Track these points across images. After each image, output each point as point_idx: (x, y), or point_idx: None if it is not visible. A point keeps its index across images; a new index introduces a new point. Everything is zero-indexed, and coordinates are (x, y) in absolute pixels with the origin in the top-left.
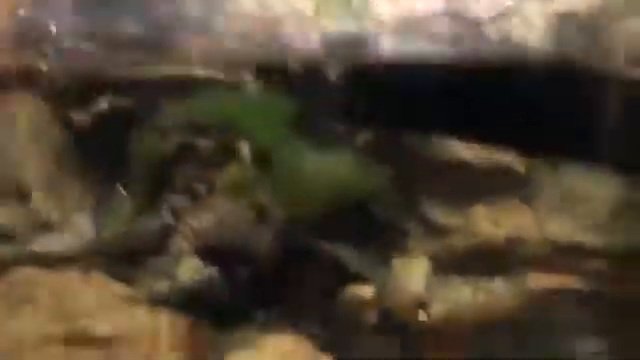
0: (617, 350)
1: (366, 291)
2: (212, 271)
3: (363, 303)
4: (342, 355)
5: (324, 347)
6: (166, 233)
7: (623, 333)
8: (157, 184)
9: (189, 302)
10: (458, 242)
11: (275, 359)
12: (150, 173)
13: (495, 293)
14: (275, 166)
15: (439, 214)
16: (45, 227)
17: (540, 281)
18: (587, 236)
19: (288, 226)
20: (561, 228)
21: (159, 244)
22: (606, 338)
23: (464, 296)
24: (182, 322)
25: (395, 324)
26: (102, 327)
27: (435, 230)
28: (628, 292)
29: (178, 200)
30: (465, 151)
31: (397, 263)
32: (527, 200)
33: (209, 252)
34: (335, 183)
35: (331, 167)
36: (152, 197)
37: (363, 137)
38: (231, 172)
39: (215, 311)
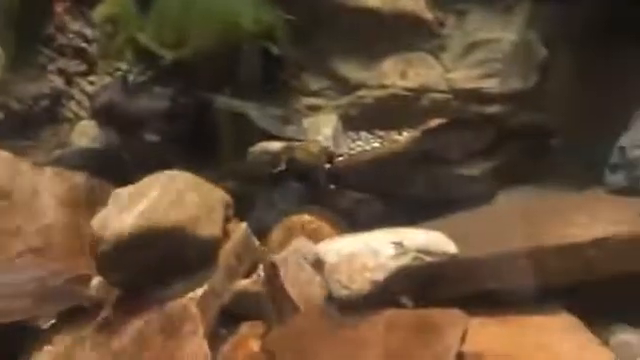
0: (499, 170)
1: (275, 146)
2: (110, 133)
3: (273, 156)
4: (252, 200)
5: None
6: (58, 99)
7: (505, 156)
8: (23, 29)
9: (85, 163)
10: (367, 95)
11: (166, 190)
12: (8, 14)
13: (399, 142)
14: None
15: (348, 69)
16: None
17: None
18: (487, 83)
19: (187, 80)
20: (463, 76)
21: (51, 110)
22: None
23: (370, 147)
24: (72, 179)
25: (302, 171)
26: None
27: (345, 85)
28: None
29: (68, 64)
30: None
31: (307, 119)
32: (434, 52)
33: (105, 114)
34: (225, 19)
35: (221, 2)
36: (26, 44)
37: None
38: (107, 6)
39: (116, 170)
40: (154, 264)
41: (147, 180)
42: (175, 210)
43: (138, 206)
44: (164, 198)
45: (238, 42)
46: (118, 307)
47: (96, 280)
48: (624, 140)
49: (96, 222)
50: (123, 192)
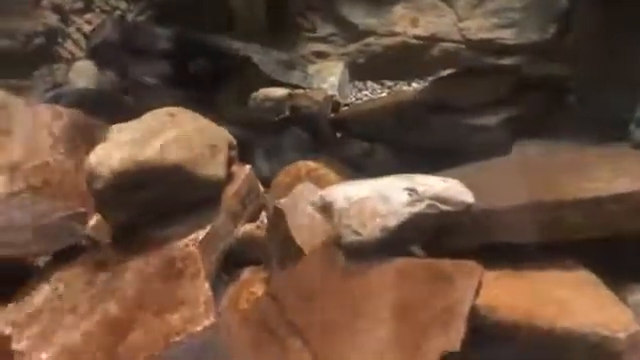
0: (515, 122)
1: (279, 92)
2: (107, 73)
3: (275, 103)
4: (253, 147)
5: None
6: (53, 37)
7: (521, 107)
8: None
9: (81, 103)
10: (376, 43)
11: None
12: None
13: (406, 92)
14: None
15: (356, 15)
16: None
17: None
18: (502, 33)
19: (188, 21)
20: (477, 26)
21: (46, 48)
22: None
23: (377, 97)
24: (69, 117)
25: (305, 120)
26: None
27: (353, 32)
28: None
29: (63, 0)
30: None
31: (313, 66)
32: None
33: (102, 54)
34: None
35: None
36: None
37: None
38: None
39: (113, 111)
40: (154, 204)
41: (147, 116)
42: (177, 147)
43: (137, 142)
44: (165, 135)
45: None
46: (116, 247)
47: (95, 219)
48: None
49: (93, 157)
50: (122, 127)
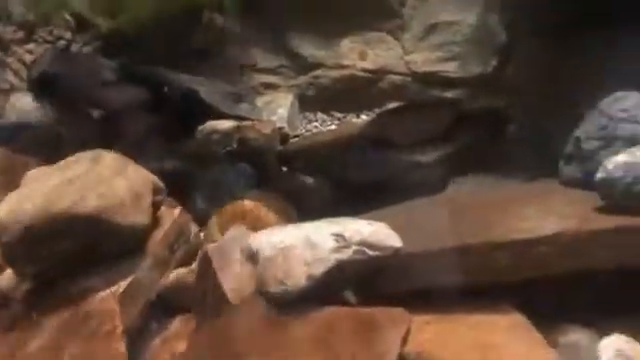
0: (453, 158)
1: (226, 125)
2: (47, 106)
3: (222, 135)
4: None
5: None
6: None
7: (459, 143)
8: None
9: (16, 138)
10: (324, 75)
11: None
12: None
13: (355, 125)
14: None
15: (305, 47)
16: None
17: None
18: (445, 66)
19: (132, 53)
20: (423, 59)
21: None
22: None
23: (325, 129)
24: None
25: (253, 153)
26: None
27: (303, 64)
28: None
29: (3, 30)
30: None
31: (261, 98)
32: (393, 32)
33: (42, 86)
34: None
35: None
36: None
37: None
38: None
39: (51, 147)
40: (70, 255)
41: (66, 161)
42: (95, 195)
43: (51, 190)
44: (82, 181)
45: (178, 11)
46: (29, 303)
47: (7, 273)
48: (579, 131)
49: (1, 207)
50: (37, 173)
